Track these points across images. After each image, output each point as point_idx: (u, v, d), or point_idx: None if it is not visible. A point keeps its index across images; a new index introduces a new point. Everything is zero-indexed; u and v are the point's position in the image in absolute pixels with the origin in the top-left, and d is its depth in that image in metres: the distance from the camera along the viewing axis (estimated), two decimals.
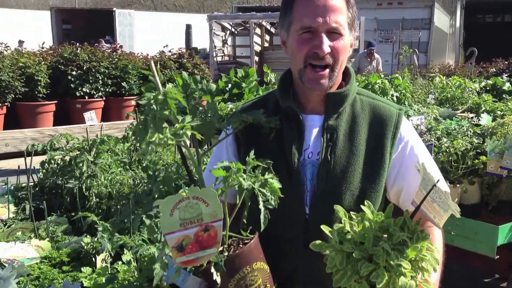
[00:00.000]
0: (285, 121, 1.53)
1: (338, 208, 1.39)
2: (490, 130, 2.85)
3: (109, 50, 10.04)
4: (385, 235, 1.34)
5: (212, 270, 1.27)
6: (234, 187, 1.30)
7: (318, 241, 1.36)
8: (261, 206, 1.30)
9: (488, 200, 3.07)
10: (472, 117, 3.40)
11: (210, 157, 1.68)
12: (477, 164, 2.77)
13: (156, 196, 1.31)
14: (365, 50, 10.82)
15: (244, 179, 1.29)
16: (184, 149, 1.36)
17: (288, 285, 1.52)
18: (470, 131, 2.81)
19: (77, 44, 9.23)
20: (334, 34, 1.45)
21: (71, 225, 2.61)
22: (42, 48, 8.74)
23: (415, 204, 1.38)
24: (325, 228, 1.36)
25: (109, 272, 1.86)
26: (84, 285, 1.82)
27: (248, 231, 1.41)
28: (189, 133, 1.26)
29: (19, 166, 3.11)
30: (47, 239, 2.31)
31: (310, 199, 1.51)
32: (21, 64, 7.49)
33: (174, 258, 1.21)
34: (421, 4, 17.68)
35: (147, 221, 1.31)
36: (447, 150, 2.65)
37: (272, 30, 14.91)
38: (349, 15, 1.48)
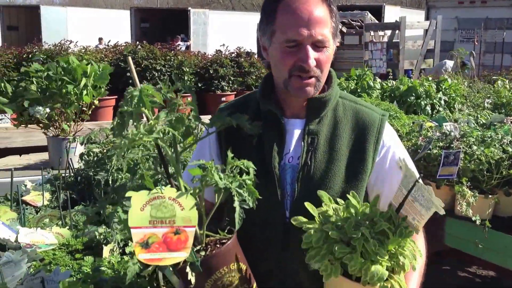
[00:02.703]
0: (266, 124, 1.51)
1: (322, 193, 1.38)
2: None
3: (183, 48, 10.36)
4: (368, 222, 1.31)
5: (188, 269, 1.25)
6: (212, 186, 1.30)
7: (300, 217, 1.36)
8: (235, 204, 1.28)
9: None
10: None
11: (192, 155, 1.70)
12: None
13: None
14: (451, 62, 10.32)
15: (220, 178, 1.27)
16: (162, 146, 1.36)
17: (265, 286, 1.52)
18: (507, 140, 2.61)
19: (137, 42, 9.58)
20: (319, 46, 1.42)
21: (98, 215, 2.73)
22: (108, 45, 9.21)
23: (394, 207, 1.33)
24: (309, 206, 1.35)
25: (109, 262, 1.92)
26: None
27: (226, 231, 1.39)
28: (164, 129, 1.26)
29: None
30: (67, 227, 2.43)
31: (290, 203, 1.50)
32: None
33: (137, 254, 1.18)
34: (507, 3, 16.66)
35: (123, 216, 1.29)
36: (479, 158, 2.49)
37: (344, 29, 14.66)
38: (332, 24, 1.46)
